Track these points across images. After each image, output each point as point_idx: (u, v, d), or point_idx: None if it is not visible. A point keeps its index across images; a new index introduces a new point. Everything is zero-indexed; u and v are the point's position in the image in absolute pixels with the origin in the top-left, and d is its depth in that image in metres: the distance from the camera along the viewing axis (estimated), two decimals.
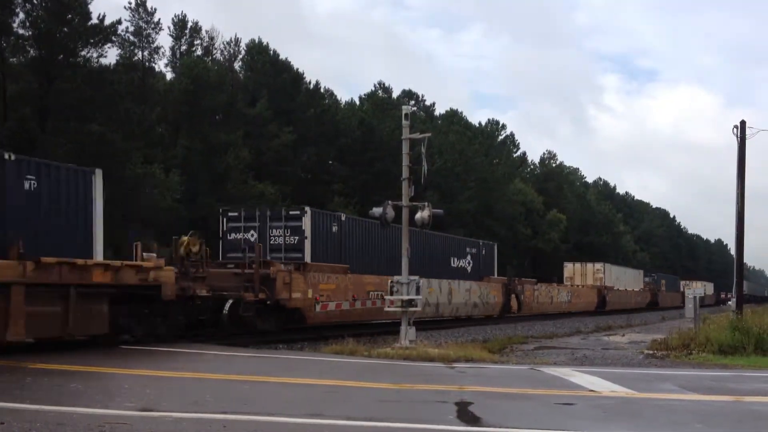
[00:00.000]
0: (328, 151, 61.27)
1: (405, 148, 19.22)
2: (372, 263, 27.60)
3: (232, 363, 15.39)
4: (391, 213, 19.25)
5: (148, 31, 53.88)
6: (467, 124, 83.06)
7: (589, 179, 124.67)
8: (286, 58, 63.04)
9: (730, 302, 44.68)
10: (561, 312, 48.48)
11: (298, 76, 62.42)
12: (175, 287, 18.49)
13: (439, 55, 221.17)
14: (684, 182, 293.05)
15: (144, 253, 18.55)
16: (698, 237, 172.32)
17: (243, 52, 62.29)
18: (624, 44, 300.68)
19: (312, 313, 24.33)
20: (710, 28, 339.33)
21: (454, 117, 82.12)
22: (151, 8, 53.67)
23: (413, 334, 18.81)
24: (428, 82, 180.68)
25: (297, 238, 24.97)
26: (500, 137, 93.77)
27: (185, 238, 20.49)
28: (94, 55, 43.64)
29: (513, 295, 41.30)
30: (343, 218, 27.50)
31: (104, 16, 44.03)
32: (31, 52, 42.47)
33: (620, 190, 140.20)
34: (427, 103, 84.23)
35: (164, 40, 69.97)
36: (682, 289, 77.54)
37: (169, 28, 57.27)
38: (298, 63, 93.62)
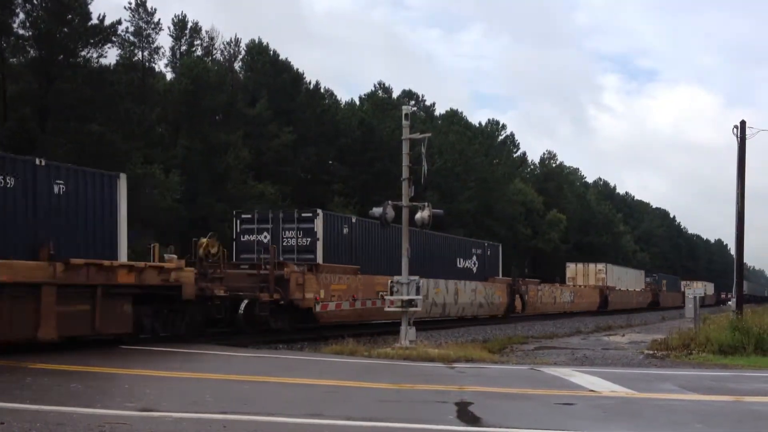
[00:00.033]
0: (328, 151, 61.25)
1: (405, 148, 19.22)
2: (382, 264, 27.94)
3: (232, 363, 15.39)
4: (391, 213, 19.26)
5: (148, 31, 53.87)
6: (467, 124, 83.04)
7: (589, 179, 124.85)
8: (286, 58, 63.10)
9: (730, 302, 44.70)
10: (564, 312, 48.92)
11: (298, 76, 62.41)
12: (194, 287, 19.09)
13: (439, 55, 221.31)
14: (684, 182, 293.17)
15: (165, 255, 19.24)
16: (698, 237, 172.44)
17: (243, 52, 62.29)
18: (624, 44, 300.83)
19: (323, 313, 24.86)
20: (710, 28, 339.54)
21: (454, 117, 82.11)
22: (151, 8, 53.70)
23: (413, 334, 18.81)
24: (428, 82, 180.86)
25: (309, 239, 25.53)
26: (500, 137, 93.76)
27: (204, 240, 21.05)
28: (94, 55, 43.65)
29: (517, 296, 41.63)
30: (353, 220, 27.95)
31: (104, 17, 44.03)
32: (31, 52, 42.44)
33: (620, 190, 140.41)
34: (427, 103, 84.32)
35: (164, 41, 70.06)
36: (682, 289, 77.64)
37: (169, 28, 57.29)
38: (298, 63, 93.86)
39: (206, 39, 60.00)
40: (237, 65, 62.27)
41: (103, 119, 42.72)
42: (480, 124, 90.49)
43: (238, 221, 26.75)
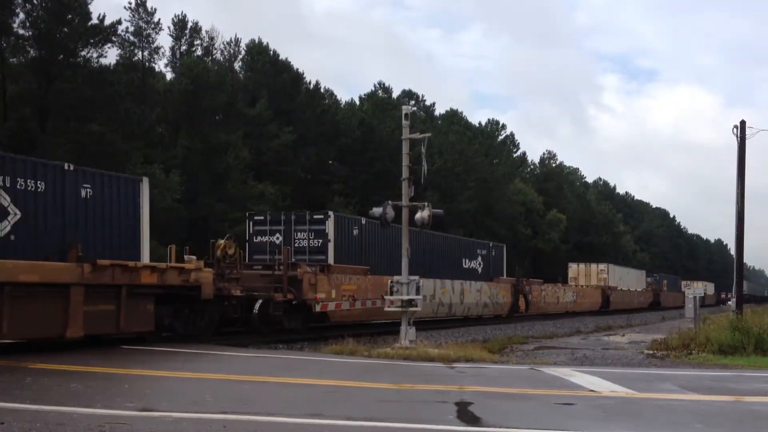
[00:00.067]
0: (328, 151, 61.23)
1: (405, 148, 19.21)
2: (391, 264, 28.19)
3: (232, 363, 15.39)
4: (391, 213, 19.25)
5: (148, 31, 53.88)
6: (467, 124, 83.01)
7: (589, 179, 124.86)
8: (286, 58, 63.06)
9: (730, 302, 44.71)
10: (567, 312, 49.40)
11: (298, 76, 62.39)
12: (212, 288, 19.70)
13: (439, 55, 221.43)
14: (684, 182, 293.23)
15: (185, 256, 19.70)
16: (698, 237, 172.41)
17: (243, 52, 62.26)
18: (624, 44, 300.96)
19: (335, 312, 25.43)
20: (710, 28, 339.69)
21: (454, 117, 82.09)
22: (151, 8, 53.72)
23: (413, 334, 18.80)
24: (428, 82, 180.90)
25: (321, 241, 26.06)
26: (500, 137, 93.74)
27: (222, 242, 21.73)
28: (94, 55, 43.68)
29: (521, 296, 42.07)
30: (363, 222, 28.29)
31: (104, 17, 44.07)
32: (31, 52, 42.44)
33: (620, 190, 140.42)
34: (427, 103, 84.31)
35: (164, 40, 70.23)
36: (683, 289, 77.71)
37: (169, 28, 57.32)
38: (298, 63, 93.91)
39: (206, 39, 60.08)
40: (237, 65, 62.31)
41: (103, 119, 42.73)
42: (480, 124, 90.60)
43: (251, 223, 27.35)
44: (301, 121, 58.33)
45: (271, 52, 62.32)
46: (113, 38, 45.59)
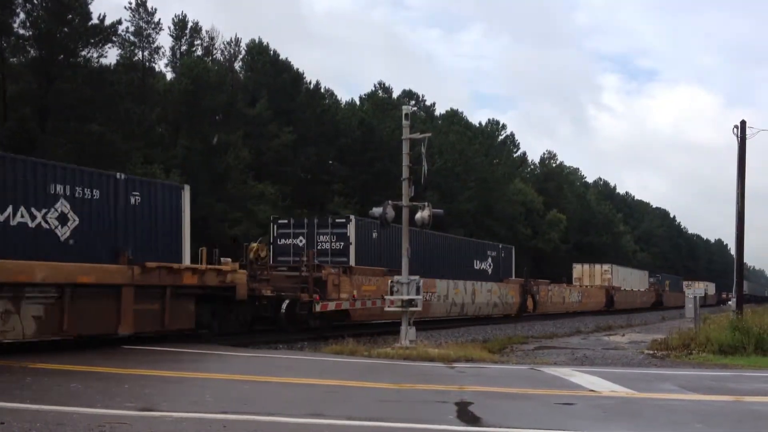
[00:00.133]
0: (328, 151, 61.20)
1: (405, 148, 19.21)
2: (413, 266, 28.49)
3: (232, 363, 15.39)
4: (391, 213, 19.25)
5: (149, 31, 53.90)
6: (467, 124, 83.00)
7: (589, 179, 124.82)
8: (286, 58, 63.04)
9: (730, 302, 44.72)
10: (572, 311, 50.45)
11: (298, 76, 62.37)
12: (246, 288, 20.90)
13: (439, 55, 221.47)
14: (684, 182, 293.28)
15: (221, 258, 20.99)
16: (698, 237, 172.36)
17: (243, 52, 62.25)
18: (624, 44, 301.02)
19: (355, 311, 26.64)
20: (710, 28, 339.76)
21: (454, 117, 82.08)
22: (151, 8, 53.75)
23: (413, 334, 18.79)
24: (428, 82, 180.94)
25: (342, 243, 27.42)
26: (500, 137, 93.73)
27: (254, 245, 23.26)
28: (95, 55, 43.72)
29: (529, 296, 43.05)
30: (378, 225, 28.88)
31: (104, 17, 44.12)
32: (31, 52, 42.45)
33: (620, 190, 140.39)
34: (427, 103, 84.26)
35: (164, 40, 70.20)
36: (684, 290, 77.93)
37: (169, 28, 57.31)
38: (298, 63, 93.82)
39: (206, 39, 60.08)
40: (237, 65, 62.31)
41: (103, 119, 42.73)
42: (480, 124, 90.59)
43: (275, 226, 28.73)
44: (301, 121, 58.32)
45: (271, 52, 62.33)
46: (113, 38, 45.66)
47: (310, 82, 63.69)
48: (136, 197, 18.00)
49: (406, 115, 19.53)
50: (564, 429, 8.57)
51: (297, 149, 57.14)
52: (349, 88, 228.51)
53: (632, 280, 66.95)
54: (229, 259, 20.90)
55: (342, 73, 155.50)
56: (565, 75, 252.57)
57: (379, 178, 59.57)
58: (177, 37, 58.08)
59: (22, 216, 15.53)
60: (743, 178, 24.46)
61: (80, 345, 16.54)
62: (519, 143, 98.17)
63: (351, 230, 27.33)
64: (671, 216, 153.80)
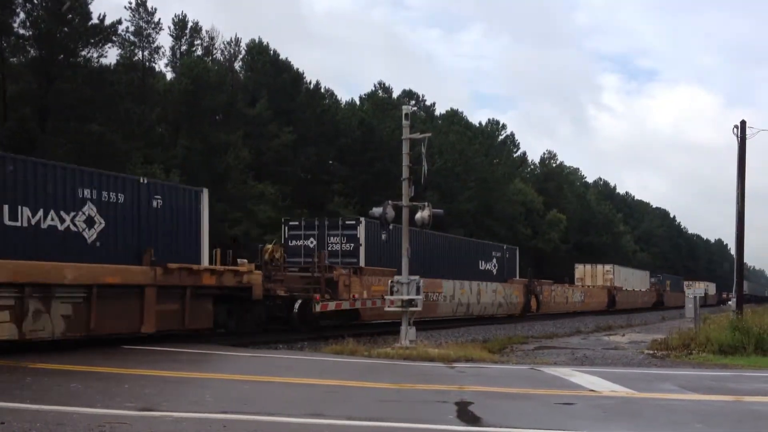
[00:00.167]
0: (328, 151, 61.19)
1: (405, 148, 19.21)
2: (416, 266, 28.83)
3: (232, 363, 15.39)
4: (391, 213, 19.25)
5: (149, 31, 53.88)
6: (467, 124, 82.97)
7: (589, 179, 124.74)
8: (286, 58, 62.98)
9: (730, 302, 44.76)
10: (575, 311, 51.06)
11: (298, 76, 62.34)
12: (262, 288, 21.57)
13: (439, 55, 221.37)
14: (684, 182, 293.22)
15: (238, 259, 21.68)
16: (698, 237, 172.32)
17: (243, 52, 62.19)
18: (624, 44, 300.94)
19: (366, 310, 27.30)
20: (710, 28, 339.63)
21: (454, 117, 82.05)
22: (151, 8, 53.71)
23: (413, 334, 18.79)
24: (428, 82, 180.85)
25: (352, 245, 28.13)
26: (500, 137, 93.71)
27: (269, 246, 23.97)
28: (95, 55, 43.69)
29: (533, 296, 43.69)
30: (390, 227, 28.96)
31: (104, 16, 44.09)
32: (31, 52, 42.43)
33: (620, 190, 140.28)
34: (427, 103, 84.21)
35: (164, 40, 70.01)
36: (685, 290, 78.13)
37: (169, 28, 57.27)
38: (298, 63, 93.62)
39: (206, 39, 60.02)
40: (237, 65, 62.25)
41: (103, 119, 42.71)
42: (480, 124, 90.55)
43: (286, 228, 29.33)
44: (301, 121, 58.30)
45: (271, 52, 62.29)
46: (113, 38, 45.64)
47: (310, 82, 63.73)
48: (158, 200, 18.63)
49: (406, 115, 19.53)
50: (564, 429, 8.57)
51: (297, 149, 57.13)
52: (349, 88, 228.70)
53: (634, 280, 67.54)
54: (245, 260, 21.52)
55: (342, 73, 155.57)
56: (565, 75, 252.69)
57: (379, 178, 59.56)
58: (177, 37, 58.08)
59: (52, 219, 16.19)
60: (743, 178, 24.46)
61: (80, 345, 16.54)
62: (519, 143, 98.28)
63: (361, 232, 27.96)
64: (671, 216, 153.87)
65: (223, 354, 16.86)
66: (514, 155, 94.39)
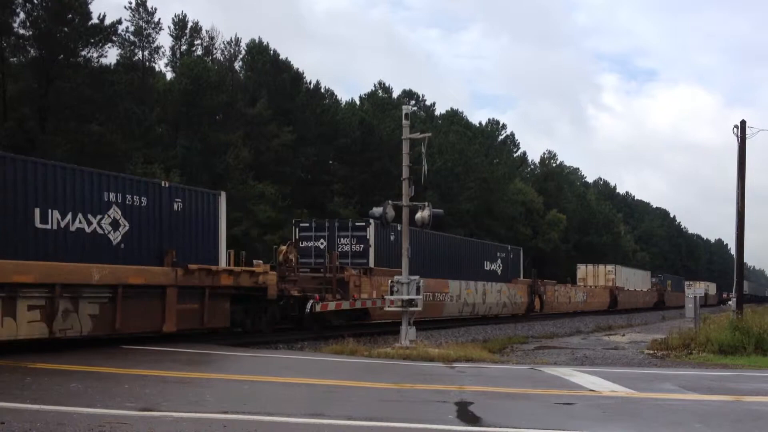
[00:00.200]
0: (328, 151, 61.15)
1: (405, 148, 19.20)
2: (424, 267, 29.56)
3: (232, 363, 15.39)
4: (391, 213, 19.25)
5: (149, 31, 53.88)
6: (467, 124, 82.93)
7: (589, 179, 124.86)
8: (286, 58, 62.88)
9: (730, 302, 44.73)
10: (578, 311, 51.67)
11: (298, 76, 62.29)
12: (276, 289, 22.18)
13: (439, 55, 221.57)
14: (684, 182, 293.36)
15: (254, 260, 22.25)
16: (698, 237, 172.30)
17: (243, 52, 62.17)
18: (623, 44, 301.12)
19: (375, 310, 27.35)
20: (710, 27, 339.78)
21: (454, 117, 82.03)
22: (151, 8, 53.72)
23: (413, 334, 18.78)
24: (428, 82, 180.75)
25: (362, 246, 28.58)
26: (500, 137, 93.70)
27: (283, 247, 24.68)
28: (94, 55, 43.66)
29: (536, 296, 44.17)
30: (399, 228, 29.29)
31: (104, 16, 44.07)
32: (31, 52, 42.41)
33: (620, 190, 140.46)
34: (427, 103, 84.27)
35: (164, 40, 70.21)
36: (686, 289, 78.37)
37: (169, 28, 57.30)
38: (297, 63, 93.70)
39: (206, 39, 60.07)
40: (237, 65, 62.24)
41: (103, 119, 42.70)
42: (480, 124, 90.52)
43: (297, 229, 29.71)
44: (300, 121, 58.25)
45: (271, 52, 62.21)
46: (113, 38, 45.62)
47: (309, 82, 63.67)
48: (179, 203, 19.12)
49: (406, 115, 19.52)
50: (564, 429, 8.57)
51: (297, 149, 57.09)
52: (349, 88, 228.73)
53: (635, 280, 68.01)
54: (261, 261, 22.14)
55: (342, 73, 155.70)
56: (564, 75, 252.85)
57: (379, 178, 59.56)
58: (177, 37, 58.11)
59: (80, 222, 16.72)
60: (743, 178, 24.46)
61: (80, 345, 16.55)
62: (519, 143, 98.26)
63: (370, 233, 28.38)
64: (671, 216, 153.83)
65: (223, 354, 16.86)
66: (514, 155, 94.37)
